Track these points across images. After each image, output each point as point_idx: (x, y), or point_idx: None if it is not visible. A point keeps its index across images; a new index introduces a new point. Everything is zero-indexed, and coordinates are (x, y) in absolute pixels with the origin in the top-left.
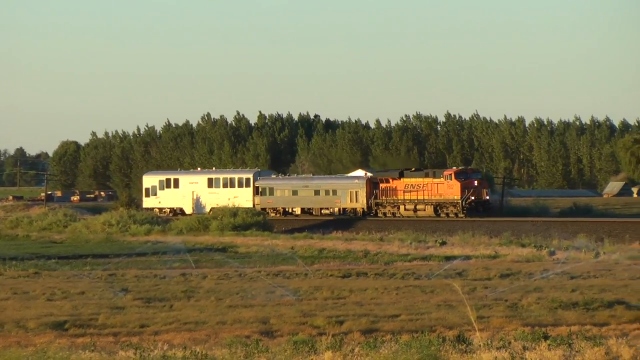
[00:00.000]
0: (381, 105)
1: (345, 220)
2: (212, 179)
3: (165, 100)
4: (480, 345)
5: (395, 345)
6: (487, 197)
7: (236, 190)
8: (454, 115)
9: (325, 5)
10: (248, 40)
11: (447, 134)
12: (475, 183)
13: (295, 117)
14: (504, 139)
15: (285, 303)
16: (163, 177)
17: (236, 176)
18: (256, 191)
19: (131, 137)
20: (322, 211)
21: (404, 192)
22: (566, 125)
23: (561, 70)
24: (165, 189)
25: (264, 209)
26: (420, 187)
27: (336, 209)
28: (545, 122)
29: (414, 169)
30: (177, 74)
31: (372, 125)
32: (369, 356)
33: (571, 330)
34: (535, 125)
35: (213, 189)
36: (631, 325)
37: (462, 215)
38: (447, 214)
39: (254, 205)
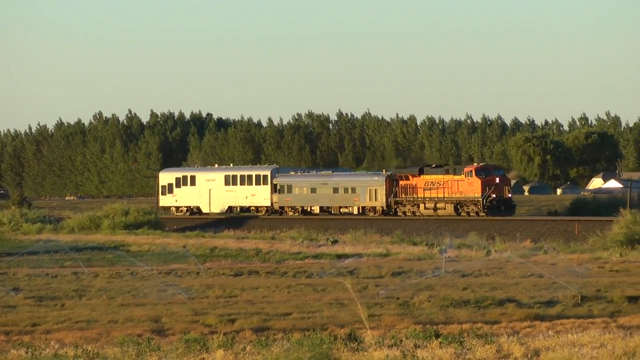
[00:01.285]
0: (273, 104)
1: (237, 219)
2: (229, 176)
3: (57, 99)
4: (371, 344)
5: (286, 343)
6: (510, 195)
7: (253, 187)
8: (346, 114)
9: (217, 5)
10: (140, 39)
11: (339, 132)
12: (497, 180)
13: (188, 116)
14: (396, 138)
15: (177, 301)
16: (180, 174)
17: (253, 173)
18: (274, 189)
19: (23, 136)
20: (341, 210)
21: (424, 189)
22: (457, 123)
23: (452, 69)
24: (182, 186)
25: (282, 208)
26: (440, 184)
27: (355, 208)
28: (437, 121)
29: (434, 165)
30: (70, 72)
31: (265, 124)
32: (261, 354)
33: (462, 328)
34: (427, 123)
35: (230, 187)
36: (522, 323)
37: (482, 214)
38: (468, 213)
39: (271, 204)
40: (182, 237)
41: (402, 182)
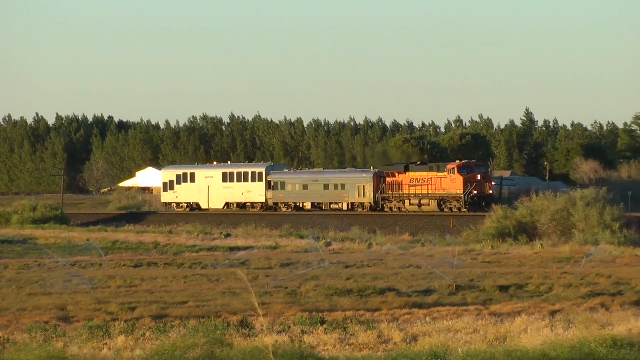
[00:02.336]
0: (171, 108)
1: (137, 214)
2: (226, 173)
3: None
4: (262, 330)
5: (183, 330)
6: (491, 192)
7: (249, 184)
8: (239, 117)
9: (111, 14)
10: (46, 45)
11: (232, 134)
12: (479, 177)
13: (91, 119)
14: (284, 139)
15: (81, 291)
16: (180, 172)
17: (249, 170)
18: (268, 185)
19: None
20: (332, 206)
21: (409, 186)
22: (342, 125)
23: (336, 75)
24: (182, 183)
25: (276, 204)
26: (425, 181)
27: (345, 204)
28: (323, 123)
29: (419, 162)
30: None
31: (162, 126)
32: (159, 340)
33: (346, 315)
34: (313, 125)
35: (228, 184)
36: (401, 310)
37: (465, 210)
38: (451, 209)
39: (266, 200)
40: (86, 231)
41: (388, 179)
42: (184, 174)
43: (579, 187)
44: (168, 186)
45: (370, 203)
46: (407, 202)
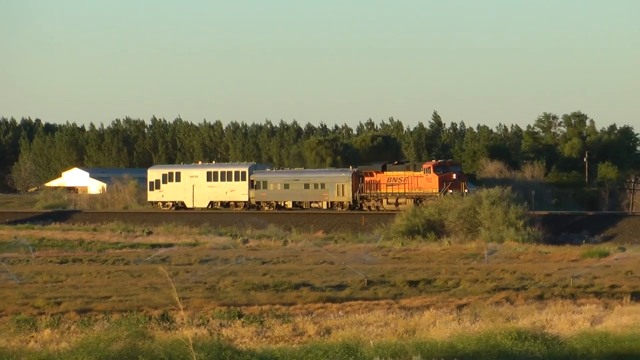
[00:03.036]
0: (95, 111)
1: (63, 213)
2: (210, 172)
3: None
4: (182, 323)
5: (107, 323)
6: (466, 191)
7: (233, 183)
8: (160, 120)
9: (35, 13)
10: None
11: (154, 136)
12: (454, 176)
13: (19, 121)
14: (204, 141)
15: (9, 286)
16: (166, 171)
17: (233, 170)
18: (251, 185)
19: None
20: (312, 205)
21: (386, 185)
22: (258, 128)
23: (253, 79)
24: (168, 182)
25: (258, 203)
26: (401, 180)
27: (324, 203)
28: (241, 125)
29: (396, 162)
30: None
31: (87, 128)
32: (84, 333)
33: (262, 309)
34: (231, 128)
35: (212, 183)
36: (315, 304)
37: None
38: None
39: (249, 199)
40: (13, 229)
41: (367, 179)
42: (169, 173)
43: (484, 187)
44: (154, 185)
45: (349, 202)
46: (384, 201)
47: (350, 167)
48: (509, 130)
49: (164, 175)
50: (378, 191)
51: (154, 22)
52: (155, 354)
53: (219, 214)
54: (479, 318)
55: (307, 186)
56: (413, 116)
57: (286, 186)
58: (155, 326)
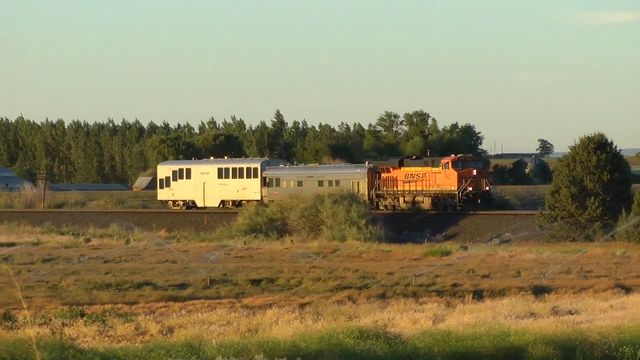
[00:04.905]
0: None
1: None
2: (222, 169)
3: None
4: (25, 322)
5: None
6: (488, 188)
7: (245, 181)
8: (1, 118)
9: None
10: None
11: None
12: (474, 172)
13: None
14: (46, 139)
15: None
16: (176, 167)
17: (244, 166)
18: (263, 182)
19: None
20: None
21: (403, 182)
22: (101, 127)
23: (95, 76)
24: (179, 179)
25: (271, 202)
26: (419, 177)
27: None
28: (83, 124)
29: (414, 157)
30: None
31: None
32: None
33: (105, 308)
34: (74, 127)
35: (223, 180)
36: (157, 303)
37: (459, 208)
38: (446, 207)
39: (261, 197)
40: None
41: (383, 175)
42: (179, 169)
43: None
44: (164, 183)
45: (364, 200)
46: (401, 199)
47: (367, 162)
48: (351, 129)
49: (174, 172)
50: (395, 189)
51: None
52: None
53: (60, 213)
54: (321, 317)
55: (321, 183)
56: (255, 115)
57: (299, 184)
58: None
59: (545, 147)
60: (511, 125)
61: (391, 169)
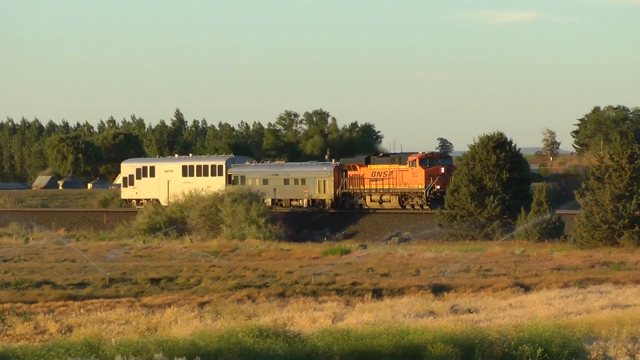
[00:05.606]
0: None
1: None
2: (186, 166)
3: None
4: None
5: None
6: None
7: (209, 179)
8: None
9: None
10: None
11: None
12: (442, 170)
13: None
14: None
15: None
16: (140, 165)
17: (209, 163)
18: (228, 180)
19: None
20: (292, 202)
21: (370, 180)
22: (0, 125)
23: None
24: (142, 177)
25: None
26: (386, 174)
27: (305, 201)
28: None
29: (381, 154)
30: None
31: None
32: None
33: (3, 308)
34: None
35: (187, 178)
36: (57, 302)
37: (427, 207)
38: (413, 206)
39: None
40: None
41: (350, 173)
42: (143, 167)
43: None
44: (128, 181)
45: (331, 199)
46: (367, 198)
47: (333, 160)
48: (251, 127)
49: (137, 170)
50: (362, 187)
51: None
52: None
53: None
54: (220, 316)
55: (287, 182)
56: (155, 113)
57: (265, 182)
58: None
59: (445, 145)
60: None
61: (358, 167)
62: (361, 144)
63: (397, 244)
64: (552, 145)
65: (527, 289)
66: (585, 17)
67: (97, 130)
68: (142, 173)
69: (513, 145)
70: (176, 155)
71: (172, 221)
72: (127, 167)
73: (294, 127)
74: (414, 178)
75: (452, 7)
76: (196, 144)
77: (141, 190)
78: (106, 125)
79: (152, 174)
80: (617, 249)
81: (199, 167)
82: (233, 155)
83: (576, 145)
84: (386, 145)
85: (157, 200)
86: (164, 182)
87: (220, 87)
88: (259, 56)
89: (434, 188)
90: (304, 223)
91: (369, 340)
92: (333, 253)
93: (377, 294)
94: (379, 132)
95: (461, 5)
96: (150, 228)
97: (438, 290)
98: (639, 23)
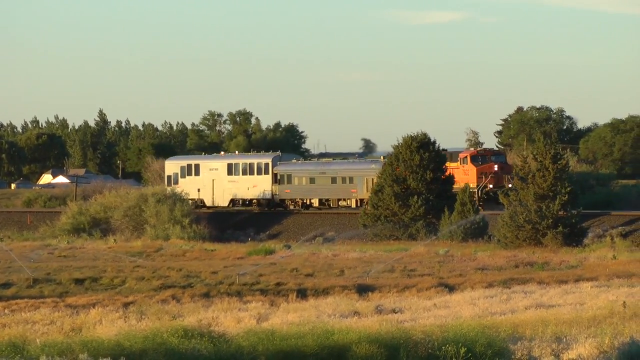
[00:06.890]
0: None
1: None
2: (231, 164)
3: None
4: None
5: None
6: (510, 186)
7: (255, 177)
8: None
9: None
10: None
11: None
12: (495, 168)
13: None
14: None
15: None
16: (184, 163)
17: (255, 161)
18: (274, 179)
19: None
20: (340, 203)
21: None
22: None
23: None
24: (187, 176)
25: (282, 201)
26: None
27: (352, 201)
28: None
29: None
30: None
31: None
32: None
33: None
34: None
35: (232, 177)
36: None
37: (479, 206)
38: None
39: (272, 196)
40: None
41: None
42: (188, 165)
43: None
44: (172, 180)
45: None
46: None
47: (382, 157)
48: (175, 128)
49: (182, 168)
50: None
51: None
52: None
53: None
54: (145, 316)
55: (334, 180)
56: (79, 113)
57: (312, 180)
58: None
59: (369, 146)
60: (334, 124)
61: None
62: (285, 144)
63: (321, 244)
64: (476, 145)
65: (451, 289)
66: (510, 17)
67: (20, 130)
68: (186, 171)
69: (437, 145)
70: (222, 153)
71: (96, 221)
72: (171, 165)
73: (217, 127)
74: (465, 176)
75: (375, 7)
76: (119, 144)
77: (185, 189)
78: (29, 125)
79: (197, 173)
80: (540, 249)
81: (244, 165)
82: (280, 153)
83: (499, 146)
84: (310, 145)
85: (202, 200)
86: (209, 180)
87: (143, 86)
88: (183, 56)
89: (487, 187)
90: (228, 223)
91: (294, 341)
92: (257, 253)
93: (302, 294)
94: (302, 132)
95: (384, 6)
96: (74, 228)
97: (362, 290)
98: (564, 24)
